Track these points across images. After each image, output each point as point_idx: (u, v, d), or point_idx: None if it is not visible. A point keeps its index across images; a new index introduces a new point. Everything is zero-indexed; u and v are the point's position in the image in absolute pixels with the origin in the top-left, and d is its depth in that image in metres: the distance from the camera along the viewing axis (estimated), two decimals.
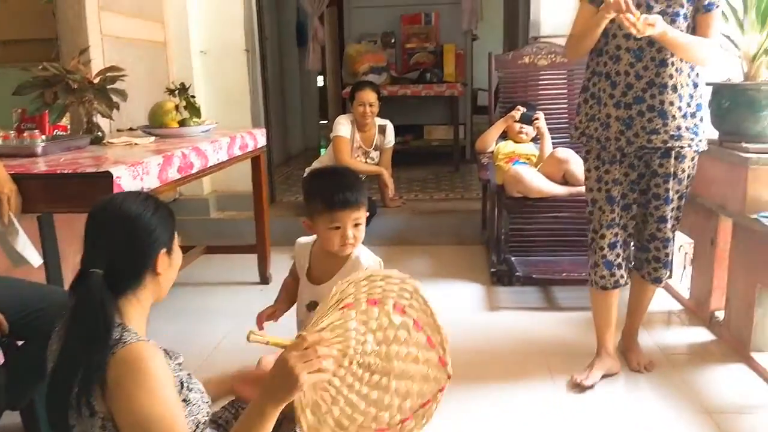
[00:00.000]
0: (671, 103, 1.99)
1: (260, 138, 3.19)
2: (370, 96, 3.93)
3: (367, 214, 1.66)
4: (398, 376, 1.19)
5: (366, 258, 1.60)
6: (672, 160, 2.05)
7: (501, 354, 2.46)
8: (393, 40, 6.38)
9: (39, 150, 2.07)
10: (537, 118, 3.46)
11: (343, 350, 1.11)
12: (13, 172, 1.77)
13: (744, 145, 2.29)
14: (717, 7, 1.98)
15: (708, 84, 2.45)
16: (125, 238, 1.12)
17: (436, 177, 5.44)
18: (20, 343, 1.68)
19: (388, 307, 1.17)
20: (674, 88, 1.98)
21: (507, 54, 3.81)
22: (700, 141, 2.06)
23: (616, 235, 2.15)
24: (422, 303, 1.23)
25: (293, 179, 5.43)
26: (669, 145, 2.02)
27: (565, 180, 3.22)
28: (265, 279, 3.31)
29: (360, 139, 4.02)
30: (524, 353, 2.46)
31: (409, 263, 3.58)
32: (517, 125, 3.47)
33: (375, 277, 1.16)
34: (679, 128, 2.00)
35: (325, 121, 7.95)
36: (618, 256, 2.17)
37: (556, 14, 3.90)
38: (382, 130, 4.08)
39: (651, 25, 1.83)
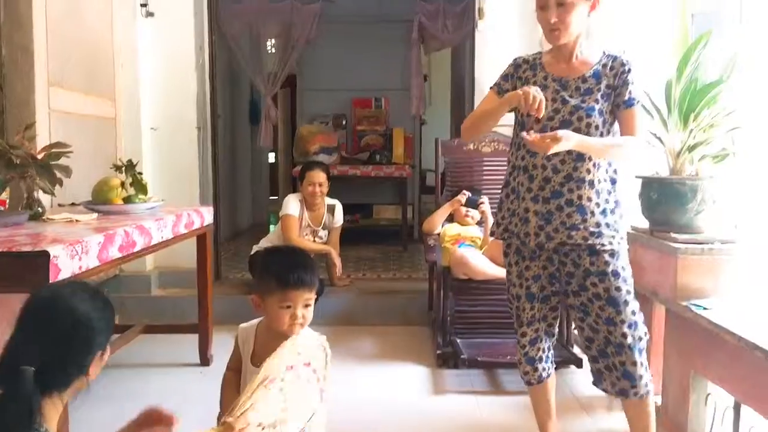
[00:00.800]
0: (589, 199, 1.95)
1: (207, 215, 3.17)
2: (320, 176, 3.99)
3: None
4: None
5: (309, 336, 1.59)
6: (605, 257, 1.96)
7: None
8: (344, 122, 6.57)
9: None
10: (482, 203, 3.58)
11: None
12: None
13: (673, 235, 2.41)
14: (638, 102, 1.98)
15: (637, 177, 2.61)
16: (67, 340, 1.08)
17: (384, 256, 5.48)
18: None
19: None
20: (591, 183, 1.95)
21: (453, 140, 3.97)
22: (622, 239, 1.99)
23: (536, 330, 2.14)
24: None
25: (240, 255, 5.36)
26: (590, 242, 1.94)
27: None
28: (205, 360, 3.20)
29: (309, 218, 4.04)
30: None
31: (356, 344, 3.54)
32: (463, 209, 3.58)
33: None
34: (598, 225, 1.94)
35: (275, 197, 7.98)
36: (539, 350, 2.16)
37: None
38: (331, 209, 4.13)
39: (556, 140, 1.79)
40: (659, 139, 2.54)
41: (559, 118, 1.97)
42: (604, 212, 1.96)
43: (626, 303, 1.97)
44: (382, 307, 4.04)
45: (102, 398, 2.68)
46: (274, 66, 5.64)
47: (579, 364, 2.96)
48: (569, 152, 1.92)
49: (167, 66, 4.09)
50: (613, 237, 1.96)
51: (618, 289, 1.96)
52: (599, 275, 1.96)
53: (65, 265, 1.78)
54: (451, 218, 3.66)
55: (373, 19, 6.38)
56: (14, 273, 1.73)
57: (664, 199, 2.45)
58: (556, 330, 2.21)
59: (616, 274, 1.96)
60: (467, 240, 3.49)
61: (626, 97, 1.96)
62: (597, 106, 1.95)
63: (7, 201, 2.53)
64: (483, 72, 4.11)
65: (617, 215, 1.99)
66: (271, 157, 8.62)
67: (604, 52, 2.03)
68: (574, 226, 1.95)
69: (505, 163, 3.76)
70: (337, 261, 4.15)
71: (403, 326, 3.89)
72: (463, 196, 3.60)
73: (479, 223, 3.62)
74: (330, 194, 4.15)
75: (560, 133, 1.80)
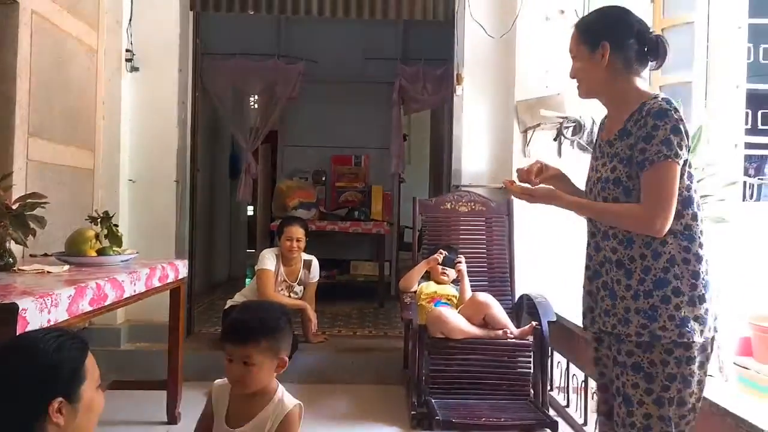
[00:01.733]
0: (618, 281, 1.65)
1: (182, 269, 3.14)
2: (298, 231, 4.00)
3: (282, 358, 1.63)
4: None
5: (289, 397, 1.56)
6: (629, 347, 1.63)
7: None
8: (324, 178, 6.64)
9: None
10: (459, 262, 3.61)
11: None
12: None
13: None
14: (655, 161, 1.56)
15: None
16: (10, 382, 1.06)
17: (360, 312, 5.44)
18: None
19: None
20: (619, 263, 1.65)
21: (430, 199, 4.03)
22: (665, 329, 1.58)
23: None
24: None
25: (215, 309, 5.28)
26: (617, 330, 1.65)
27: (485, 322, 3.31)
28: (173, 418, 3.10)
29: (285, 273, 4.03)
30: None
31: (329, 404, 3.47)
32: (440, 267, 3.60)
33: None
34: (627, 310, 1.62)
35: (253, 250, 7.94)
36: None
37: (476, 165, 4.22)
38: (308, 265, 4.12)
39: (530, 196, 1.72)
40: None
41: (594, 194, 1.76)
42: (636, 296, 1.62)
43: (640, 404, 1.61)
44: (357, 365, 3.98)
45: None
46: (255, 121, 5.74)
47: (553, 427, 2.93)
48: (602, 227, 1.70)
49: (149, 120, 4.12)
50: (646, 325, 1.60)
51: (635, 386, 1.62)
52: (620, 367, 1.66)
53: (34, 318, 1.74)
54: (428, 276, 3.67)
55: (355, 79, 6.54)
56: None
57: None
58: None
59: (637, 368, 1.61)
60: (443, 298, 3.49)
61: (639, 157, 1.60)
62: (612, 176, 1.66)
63: None
64: (461, 132, 4.22)
65: (657, 298, 1.59)
66: (250, 211, 8.62)
67: (644, 102, 1.65)
68: (607, 312, 1.68)
69: (482, 223, 3.88)
70: (313, 317, 4.11)
71: (377, 385, 3.83)
72: (440, 254, 3.63)
73: (455, 282, 3.64)
74: (307, 249, 4.15)
75: (539, 190, 1.75)
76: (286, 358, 1.58)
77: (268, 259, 3.95)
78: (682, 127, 1.58)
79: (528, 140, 4.03)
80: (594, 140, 1.95)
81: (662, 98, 1.63)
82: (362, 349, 4.18)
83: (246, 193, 5.84)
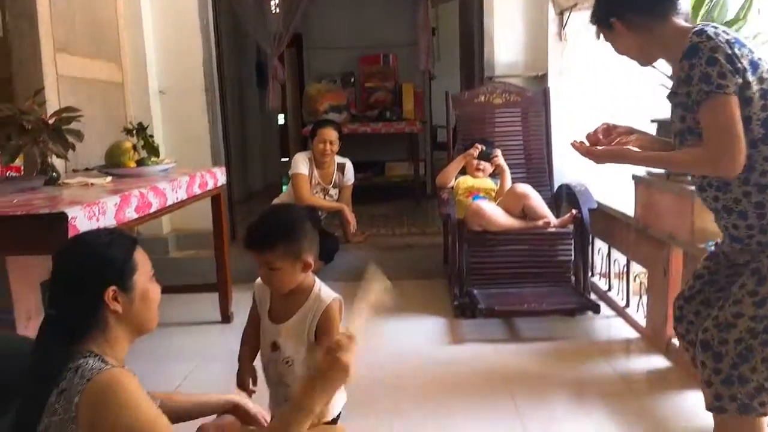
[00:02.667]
0: (736, 227, 1.60)
1: (220, 176, 3.18)
2: (331, 134, 3.97)
3: (315, 264, 1.61)
4: None
5: (327, 291, 1.58)
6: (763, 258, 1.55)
7: (465, 385, 2.46)
8: (353, 80, 6.50)
9: None
10: (496, 156, 3.55)
11: None
12: None
13: (689, 178, 2.39)
14: (703, 99, 1.47)
15: (653, 121, 2.57)
16: (71, 277, 1.13)
17: (397, 213, 5.49)
18: None
19: None
20: (728, 210, 1.60)
21: (463, 93, 3.92)
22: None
23: None
24: None
25: (254, 216, 5.38)
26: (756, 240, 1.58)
27: (524, 214, 3.30)
28: (226, 318, 3.25)
29: (319, 176, 4.04)
30: (488, 384, 2.47)
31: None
32: (476, 162, 3.56)
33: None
34: (760, 243, 1.56)
35: (286, 159, 7.97)
36: None
37: (509, 54, 4.05)
38: (341, 168, 4.11)
39: (592, 154, 1.68)
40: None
41: (676, 145, 1.67)
42: (763, 231, 1.55)
43: (737, 303, 1.56)
44: (397, 262, 4.05)
45: (129, 356, 2.75)
46: (278, 26, 5.55)
47: (596, 310, 2.97)
48: None
49: (171, 27, 4.04)
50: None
51: (742, 286, 1.57)
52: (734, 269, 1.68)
53: (83, 225, 1.80)
54: (464, 170, 3.64)
55: None
56: (34, 236, 1.75)
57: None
58: None
59: (755, 271, 1.55)
60: (481, 192, 3.47)
61: (689, 102, 1.53)
62: (684, 126, 1.59)
63: (22, 167, 2.54)
64: (493, 20, 4.02)
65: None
66: (281, 119, 8.57)
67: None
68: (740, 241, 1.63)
69: (518, 115, 3.77)
70: (351, 218, 4.15)
71: (418, 280, 3.91)
72: (476, 149, 3.57)
73: (492, 175, 3.60)
74: (341, 153, 4.13)
75: (604, 150, 1.69)
76: (310, 260, 1.55)
77: (301, 163, 3.95)
78: (719, 54, 1.45)
79: (564, 23, 3.82)
80: None
81: (693, 32, 1.51)
82: (402, 246, 4.25)
83: (275, 101, 5.77)
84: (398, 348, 2.85)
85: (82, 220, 1.79)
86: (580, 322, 3.10)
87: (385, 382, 2.48)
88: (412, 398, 2.37)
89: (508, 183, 3.48)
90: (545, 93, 3.74)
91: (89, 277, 1.13)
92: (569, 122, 3.73)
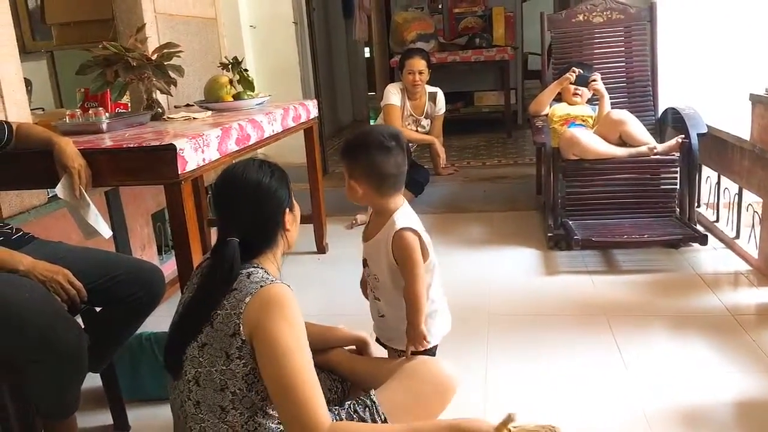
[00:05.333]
0: None
1: (312, 109, 3.21)
2: (419, 63, 3.89)
3: (349, 182, 1.58)
4: None
5: (401, 221, 1.56)
6: None
7: (561, 316, 2.44)
8: (440, 6, 6.27)
9: (104, 126, 2.13)
10: (594, 80, 3.36)
11: None
12: (81, 147, 1.83)
13: None
14: None
15: None
16: (254, 206, 1.23)
17: (488, 144, 5.37)
18: (98, 309, 1.77)
19: None
20: None
21: (560, 13, 3.69)
22: None
23: None
24: None
25: None
26: None
27: (622, 141, 3.13)
28: (321, 248, 3.36)
29: (410, 108, 3.99)
30: (585, 315, 2.43)
31: (463, 230, 3.56)
32: (572, 87, 3.39)
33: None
34: None
35: (373, 93, 7.93)
36: None
37: None
38: (433, 97, 4.04)
39: None
40: None
41: None
42: None
43: None
44: (489, 194, 4.01)
45: None
46: None
47: (703, 241, 2.82)
48: None
49: None
50: None
51: None
52: None
53: (190, 157, 1.88)
54: (559, 98, 3.48)
55: None
56: (146, 167, 1.84)
57: None
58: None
59: None
60: (578, 119, 3.32)
61: None
62: None
63: (129, 104, 2.67)
64: None
65: None
66: (366, 52, 8.48)
67: None
68: None
69: (621, 34, 3.52)
70: (441, 150, 4.11)
71: (510, 211, 3.86)
72: (573, 73, 3.39)
73: (591, 101, 3.42)
74: (429, 83, 4.05)
75: None
76: (355, 185, 1.53)
77: (393, 94, 3.91)
78: None
79: None
80: None
81: None
82: (493, 177, 4.18)
83: (362, 31, 5.70)
84: (491, 279, 2.84)
85: (189, 152, 1.87)
86: (685, 254, 2.96)
87: (479, 313, 2.49)
88: (507, 329, 2.37)
89: (608, 109, 3.29)
90: (651, 9, 3.46)
91: (273, 203, 1.25)
92: (678, 39, 3.46)
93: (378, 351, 1.65)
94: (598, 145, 3.09)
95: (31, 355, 1.46)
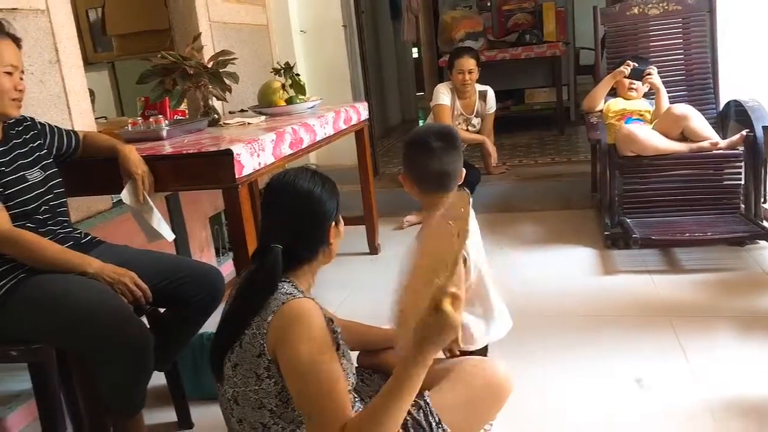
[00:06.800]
0: None
1: (363, 111, 3.23)
2: (469, 62, 3.86)
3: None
4: None
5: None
6: None
7: (621, 317, 2.37)
8: (489, 4, 6.21)
9: (164, 133, 2.21)
10: (649, 73, 3.26)
11: None
12: (143, 154, 1.90)
13: None
14: None
15: None
16: (300, 215, 1.22)
17: (540, 141, 5.29)
18: (162, 310, 1.83)
19: None
20: None
21: (614, 6, 3.61)
22: None
23: None
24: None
25: (394, 151, 5.47)
26: None
27: (684, 137, 3.03)
28: (374, 249, 3.37)
29: (461, 107, 3.97)
30: (646, 315, 2.36)
31: (516, 230, 3.52)
32: (627, 81, 3.30)
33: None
34: None
35: (422, 93, 7.92)
36: None
37: None
38: (483, 96, 4.00)
39: None
40: None
41: None
42: None
43: None
44: (541, 193, 3.94)
45: None
46: None
47: None
48: None
49: None
50: None
51: None
52: None
53: (247, 162, 1.92)
54: (614, 93, 3.40)
55: None
56: (205, 172, 1.90)
57: None
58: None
59: None
60: (634, 114, 3.23)
61: None
62: None
63: (186, 111, 2.75)
64: None
65: None
66: (414, 53, 8.47)
67: None
68: None
69: (678, 25, 3.41)
70: (492, 149, 4.07)
71: (564, 210, 3.78)
72: (627, 67, 3.30)
73: (647, 95, 3.33)
74: (479, 82, 4.01)
75: None
76: (404, 182, 1.62)
77: (443, 94, 3.90)
78: None
79: None
80: None
81: None
82: (545, 176, 4.11)
83: (410, 32, 5.70)
84: (546, 280, 2.79)
85: (245, 157, 1.91)
86: (751, 251, 2.84)
87: (535, 314, 2.45)
88: (564, 330, 2.33)
89: (665, 103, 3.19)
90: None
91: (321, 214, 1.23)
92: (739, 30, 3.32)
93: None
94: (657, 141, 3.00)
95: (101, 355, 1.52)
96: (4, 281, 1.56)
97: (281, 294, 1.15)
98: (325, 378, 1.09)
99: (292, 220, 1.22)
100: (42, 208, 1.66)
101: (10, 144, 1.66)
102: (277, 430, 1.16)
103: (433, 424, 1.28)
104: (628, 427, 1.72)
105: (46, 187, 1.69)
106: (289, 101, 2.88)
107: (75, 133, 1.91)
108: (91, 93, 2.69)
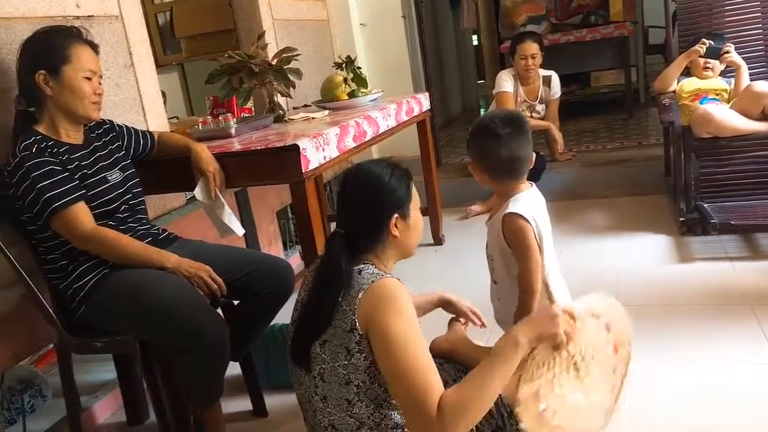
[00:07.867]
0: None
1: (424, 102, 3.22)
2: (532, 47, 3.78)
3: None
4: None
5: (513, 206, 1.55)
6: None
7: (700, 306, 2.28)
8: None
9: (233, 131, 2.27)
10: (727, 52, 3.09)
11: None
12: (214, 152, 1.96)
13: None
14: None
15: None
16: (361, 202, 1.25)
17: (607, 126, 5.13)
18: (236, 302, 1.89)
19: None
20: None
21: None
22: None
23: None
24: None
25: (456, 141, 5.43)
26: None
27: (764, 115, 2.86)
28: (438, 240, 3.36)
29: (524, 93, 3.89)
30: (728, 305, 2.25)
31: (585, 217, 3.43)
32: (702, 60, 3.14)
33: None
34: None
35: (482, 81, 7.81)
36: None
37: None
38: (547, 81, 3.91)
39: None
40: None
41: None
42: None
43: None
44: (610, 178, 3.82)
45: None
46: None
47: None
48: None
49: None
50: None
51: None
52: None
53: (312, 156, 1.95)
54: (687, 72, 3.24)
55: None
56: (272, 167, 1.94)
57: None
58: None
59: None
60: (710, 93, 3.07)
61: None
62: None
63: (252, 108, 2.82)
64: None
65: None
66: (474, 40, 8.36)
67: None
68: None
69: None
70: (558, 136, 3.98)
71: (634, 196, 3.65)
72: (702, 45, 3.14)
73: (723, 74, 3.16)
74: (542, 66, 3.92)
75: None
76: (473, 170, 1.62)
77: (506, 81, 3.84)
78: None
79: None
80: None
81: None
82: (614, 161, 3.99)
83: (470, 19, 5.63)
84: (619, 268, 2.71)
85: (311, 151, 1.94)
86: None
87: None
88: (638, 320, 2.21)
89: (746, 81, 3.02)
90: None
91: (381, 205, 1.24)
92: None
93: (464, 302, 1.60)
94: (735, 121, 2.85)
95: (181, 346, 1.59)
96: (89, 277, 1.65)
97: (369, 273, 1.19)
98: (421, 353, 1.12)
99: (354, 203, 1.26)
100: (122, 207, 1.74)
101: (92, 147, 1.75)
102: (360, 407, 1.18)
103: (504, 414, 1.28)
104: (715, 418, 1.66)
105: (125, 187, 1.77)
106: (352, 95, 2.90)
107: (150, 133, 1.99)
108: (163, 94, 2.80)
